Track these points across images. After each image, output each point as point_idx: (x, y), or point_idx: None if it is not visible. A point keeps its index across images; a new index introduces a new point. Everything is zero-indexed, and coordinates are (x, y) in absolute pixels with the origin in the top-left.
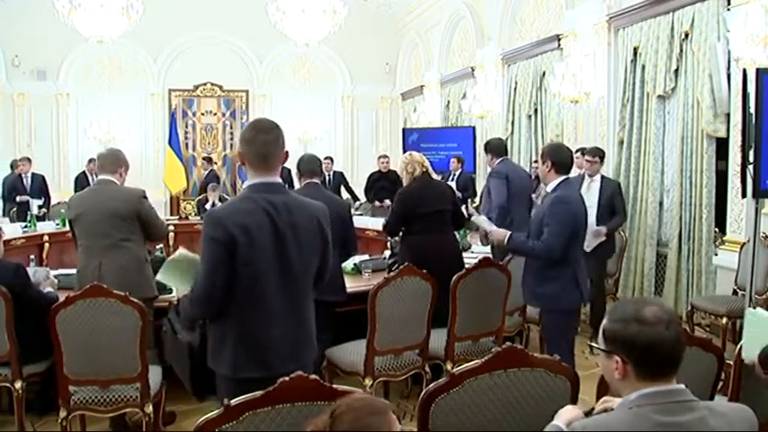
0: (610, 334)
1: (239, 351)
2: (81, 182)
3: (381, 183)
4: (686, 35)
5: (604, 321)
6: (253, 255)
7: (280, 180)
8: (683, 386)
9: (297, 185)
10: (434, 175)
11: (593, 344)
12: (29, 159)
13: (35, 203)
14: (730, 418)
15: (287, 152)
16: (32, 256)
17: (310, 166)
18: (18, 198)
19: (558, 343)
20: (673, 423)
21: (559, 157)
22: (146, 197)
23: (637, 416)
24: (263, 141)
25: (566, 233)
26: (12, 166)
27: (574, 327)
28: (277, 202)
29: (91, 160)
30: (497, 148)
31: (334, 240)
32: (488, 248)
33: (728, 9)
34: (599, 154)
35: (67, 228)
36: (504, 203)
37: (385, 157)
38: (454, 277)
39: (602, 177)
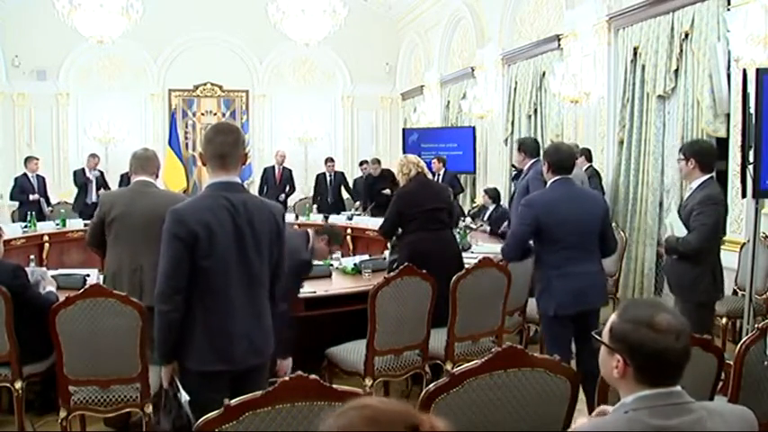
0: (618, 333)
1: (203, 345)
2: (80, 177)
3: (380, 185)
4: (686, 35)
5: (614, 318)
6: (213, 250)
7: (238, 180)
8: (679, 388)
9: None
10: (429, 176)
11: (596, 335)
12: (37, 159)
13: (44, 203)
14: (728, 419)
15: (246, 154)
16: (32, 256)
17: None
18: (31, 197)
19: (548, 346)
20: (667, 426)
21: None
22: None
23: (631, 420)
24: (221, 142)
25: (517, 235)
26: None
27: (557, 333)
28: (236, 200)
29: (93, 155)
30: (532, 149)
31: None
32: (491, 248)
33: (728, 9)
34: (685, 151)
35: (68, 228)
36: None
37: (376, 161)
38: (454, 277)
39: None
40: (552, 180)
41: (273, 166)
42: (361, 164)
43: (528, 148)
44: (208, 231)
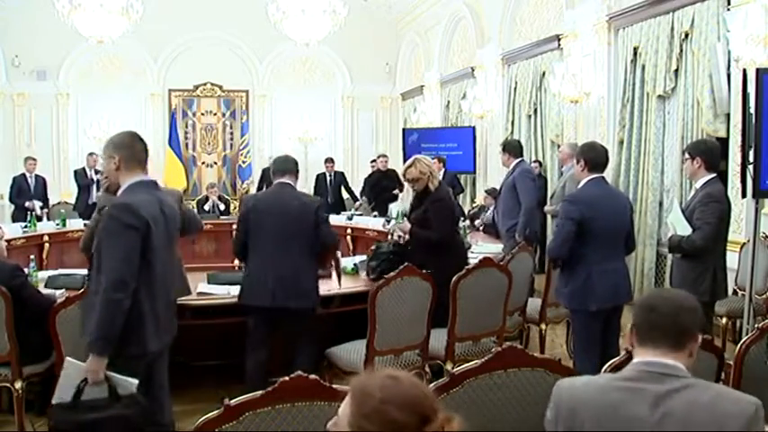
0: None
1: (151, 328)
2: (81, 177)
3: (384, 183)
4: (686, 35)
5: None
6: (156, 241)
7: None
8: (671, 362)
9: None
10: None
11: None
12: (34, 159)
13: (37, 205)
14: (713, 410)
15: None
16: (32, 256)
17: (281, 165)
18: (27, 204)
19: (580, 342)
20: (629, 388)
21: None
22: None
23: (605, 379)
24: (141, 149)
25: (564, 232)
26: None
27: (594, 329)
28: (160, 196)
29: (91, 154)
30: (516, 149)
31: (302, 240)
32: (491, 248)
33: (728, 9)
34: (690, 150)
35: (68, 228)
36: (534, 205)
37: (384, 156)
38: (455, 277)
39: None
40: (588, 178)
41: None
42: (372, 162)
43: (512, 148)
44: (154, 223)
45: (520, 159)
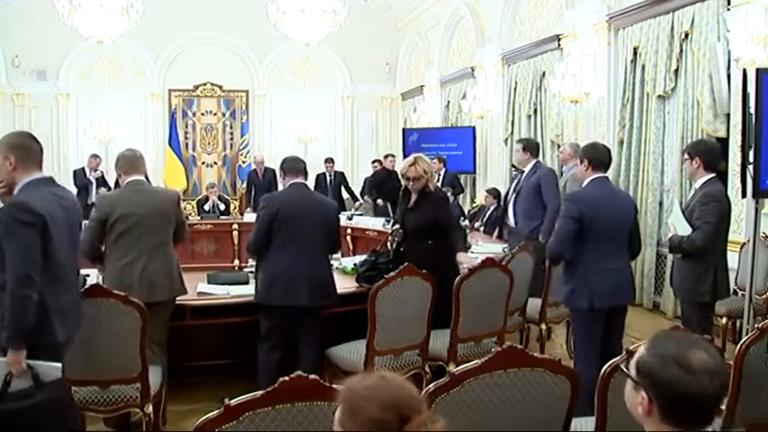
0: (644, 367)
1: (57, 319)
2: (80, 178)
3: (391, 183)
4: (686, 35)
5: (642, 350)
6: (55, 235)
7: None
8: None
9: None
10: None
11: (623, 367)
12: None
13: None
14: None
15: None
16: None
17: (294, 165)
18: None
19: (580, 342)
20: None
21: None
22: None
23: None
24: (37, 149)
25: (564, 231)
26: None
27: (594, 328)
28: (58, 192)
29: (95, 156)
30: (536, 149)
31: (323, 241)
32: (491, 248)
33: (728, 9)
34: (689, 151)
35: None
36: (558, 206)
37: (392, 155)
38: (457, 278)
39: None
40: (592, 178)
41: (255, 170)
42: (373, 162)
43: (532, 147)
44: (50, 218)
45: (537, 160)
